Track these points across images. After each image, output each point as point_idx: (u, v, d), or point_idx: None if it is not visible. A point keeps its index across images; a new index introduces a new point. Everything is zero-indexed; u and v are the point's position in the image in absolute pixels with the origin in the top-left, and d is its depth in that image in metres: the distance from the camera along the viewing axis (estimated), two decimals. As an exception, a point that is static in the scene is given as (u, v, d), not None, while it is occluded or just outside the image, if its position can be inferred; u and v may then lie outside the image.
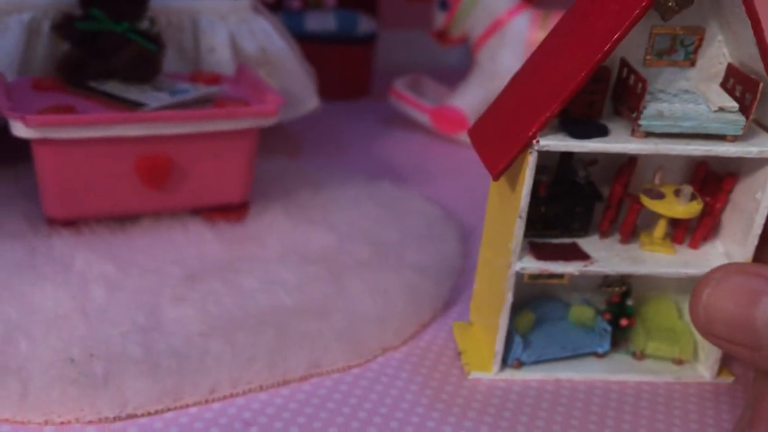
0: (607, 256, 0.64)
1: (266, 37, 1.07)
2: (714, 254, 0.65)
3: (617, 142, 0.57)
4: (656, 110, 0.57)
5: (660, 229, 0.65)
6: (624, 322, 0.69)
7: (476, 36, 1.27)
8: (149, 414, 0.59)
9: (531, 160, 0.57)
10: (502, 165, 0.58)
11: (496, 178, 0.59)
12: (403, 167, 1.15)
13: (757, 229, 0.60)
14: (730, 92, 0.58)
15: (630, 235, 0.66)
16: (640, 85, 0.56)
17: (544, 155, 0.58)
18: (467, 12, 1.25)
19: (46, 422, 0.57)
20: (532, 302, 0.71)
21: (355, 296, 0.73)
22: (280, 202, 0.93)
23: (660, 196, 0.63)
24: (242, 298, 0.72)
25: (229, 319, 0.68)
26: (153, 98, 0.82)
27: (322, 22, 1.43)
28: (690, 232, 0.66)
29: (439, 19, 1.30)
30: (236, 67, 0.98)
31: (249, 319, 0.68)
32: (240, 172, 0.86)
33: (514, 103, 0.61)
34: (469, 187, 1.07)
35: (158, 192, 0.83)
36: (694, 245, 0.66)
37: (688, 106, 0.57)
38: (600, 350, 0.69)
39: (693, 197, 0.63)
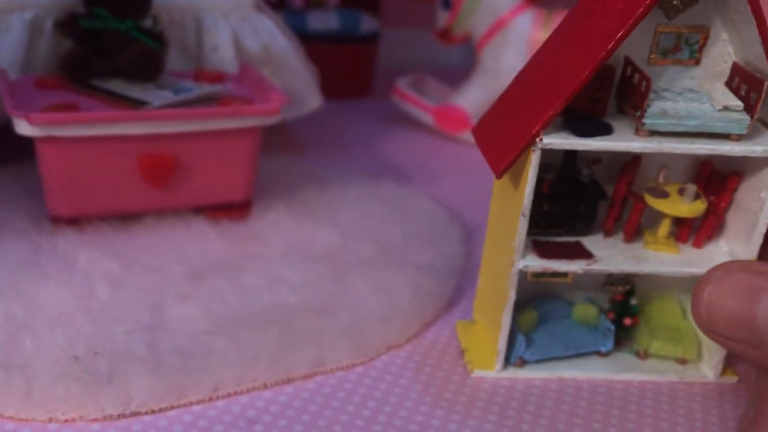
0: (610, 254, 0.64)
1: (269, 35, 1.07)
2: (718, 253, 0.65)
3: (621, 141, 0.57)
4: (660, 109, 0.57)
5: (664, 228, 0.65)
6: (628, 321, 0.69)
7: (479, 35, 1.27)
8: (153, 412, 0.59)
9: (534, 158, 0.57)
10: (505, 163, 0.58)
11: (499, 176, 0.59)
12: (407, 166, 1.15)
13: (762, 228, 0.60)
14: (735, 91, 0.58)
15: (634, 234, 0.66)
16: (644, 83, 0.56)
17: (547, 153, 0.58)
18: (470, 11, 1.25)
19: (51, 420, 0.57)
20: (536, 301, 0.71)
21: (359, 295, 0.73)
22: (283, 200, 0.93)
23: (664, 194, 0.63)
24: (246, 296, 0.72)
25: (233, 317, 0.68)
26: (156, 96, 0.82)
27: (324, 21, 1.43)
28: (694, 231, 0.66)
29: (442, 18, 1.30)
30: (239, 66, 0.98)
31: (253, 318, 0.68)
32: (243, 170, 0.86)
33: (518, 102, 0.61)
34: (473, 186, 1.06)
35: (161, 190, 0.83)
36: (698, 244, 0.66)
37: (693, 104, 0.57)
38: (603, 349, 0.69)
39: (697, 196, 0.62)
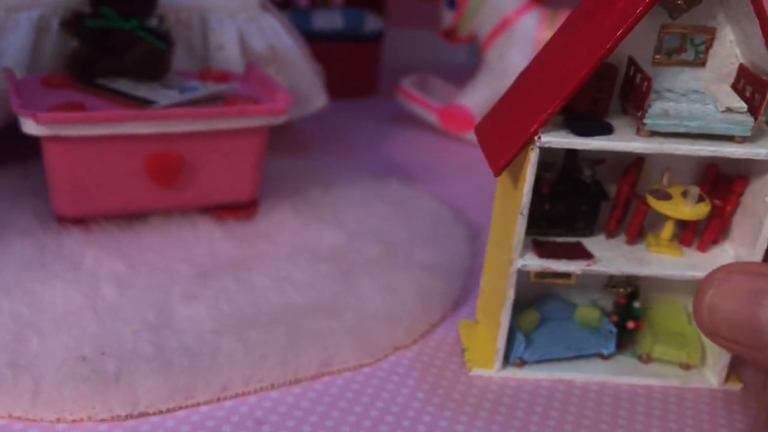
0: (611, 256, 0.64)
1: (275, 34, 1.07)
2: (723, 257, 0.64)
3: (621, 141, 0.57)
4: (661, 109, 0.57)
5: (667, 230, 0.65)
6: (631, 324, 0.69)
7: (484, 35, 1.27)
8: (161, 412, 0.59)
9: (533, 157, 0.57)
10: (503, 161, 0.58)
11: (497, 174, 0.59)
12: (411, 166, 1.15)
13: (767, 233, 0.60)
14: (741, 93, 0.58)
15: (636, 235, 0.66)
16: (645, 83, 0.56)
17: (549, 152, 0.58)
18: (475, 10, 1.25)
19: (59, 420, 0.57)
20: (538, 301, 0.71)
21: (366, 294, 0.73)
22: (289, 200, 0.93)
23: (667, 197, 0.63)
24: (254, 295, 0.72)
25: (240, 316, 0.69)
26: (163, 96, 0.82)
27: (329, 20, 1.44)
28: (699, 234, 0.66)
29: (447, 17, 1.30)
30: (245, 65, 0.98)
31: (261, 317, 0.69)
32: (249, 170, 0.86)
33: (519, 101, 0.61)
34: (478, 185, 1.07)
35: (168, 190, 0.83)
36: (702, 248, 0.65)
37: (695, 105, 0.57)
38: (605, 352, 0.68)
39: (701, 199, 0.62)
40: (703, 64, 0.60)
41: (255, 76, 0.94)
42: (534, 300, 0.71)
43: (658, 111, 0.57)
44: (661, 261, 0.64)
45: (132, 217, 0.85)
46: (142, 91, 0.83)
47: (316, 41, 1.31)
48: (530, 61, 0.64)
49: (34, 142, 0.77)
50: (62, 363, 0.60)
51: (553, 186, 0.64)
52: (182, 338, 0.65)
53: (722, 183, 0.64)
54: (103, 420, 0.58)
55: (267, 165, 0.94)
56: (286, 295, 0.72)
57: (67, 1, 0.94)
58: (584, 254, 0.64)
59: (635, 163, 0.65)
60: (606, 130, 0.58)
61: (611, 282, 0.70)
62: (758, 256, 0.61)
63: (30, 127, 0.75)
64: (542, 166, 0.62)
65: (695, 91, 0.59)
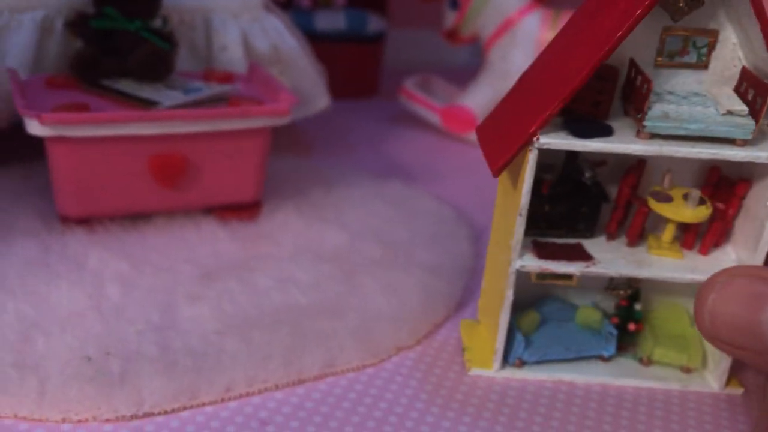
0: (612, 258, 0.64)
1: (278, 35, 1.07)
2: (725, 261, 0.64)
3: (620, 143, 0.57)
4: (661, 111, 0.57)
5: (668, 233, 0.65)
6: (632, 326, 0.69)
7: (487, 35, 1.27)
8: (166, 412, 0.60)
9: (531, 158, 0.57)
10: (502, 161, 0.58)
11: (495, 174, 0.59)
12: (413, 166, 1.15)
13: (768, 236, 0.60)
14: (743, 96, 0.58)
15: (637, 238, 0.66)
16: (645, 85, 0.56)
17: (549, 154, 0.58)
18: (478, 11, 1.26)
19: (64, 420, 0.58)
20: (539, 302, 0.71)
21: (369, 295, 0.74)
22: (292, 200, 0.93)
23: (668, 199, 0.63)
24: (257, 296, 0.72)
25: (244, 317, 0.69)
26: (167, 97, 0.83)
27: (331, 21, 1.44)
28: (700, 237, 0.66)
29: (450, 18, 1.30)
30: (248, 66, 0.99)
31: (264, 318, 0.69)
32: (253, 170, 0.86)
33: (520, 102, 0.61)
34: (480, 186, 1.07)
35: (171, 190, 0.84)
36: (703, 251, 0.65)
37: (696, 108, 0.57)
38: (605, 354, 0.69)
39: (702, 202, 0.62)
40: (705, 66, 0.60)
41: (258, 76, 0.94)
42: (535, 301, 0.71)
43: (658, 113, 0.57)
44: (661, 263, 0.64)
45: (136, 217, 0.85)
46: (145, 91, 0.84)
47: (318, 42, 1.31)
48: (532, 62, 0.64)
49: (36, 142, 0.77)
50: (67, 363, 0.61)
51: (554, 187, 0.65)
52: (186, 339, 0.65)
53: (724, 186, 0.64)
54: (108, 420, 0.58)
55: (270, 165, 0.94)
56: (289, 296, 0.73)
57: (71, 2, 0.94)
58: (583, 256, 0.64)
59: (636, 165, 0.65)
60: (605, 131, 0.58)
61: (612, 284, 0.70)
62: (760, 260, 0.61)
63: (34, 127, 0.75)
64: (543, 168, 0.63)
65: (696, 94, 0.59)
